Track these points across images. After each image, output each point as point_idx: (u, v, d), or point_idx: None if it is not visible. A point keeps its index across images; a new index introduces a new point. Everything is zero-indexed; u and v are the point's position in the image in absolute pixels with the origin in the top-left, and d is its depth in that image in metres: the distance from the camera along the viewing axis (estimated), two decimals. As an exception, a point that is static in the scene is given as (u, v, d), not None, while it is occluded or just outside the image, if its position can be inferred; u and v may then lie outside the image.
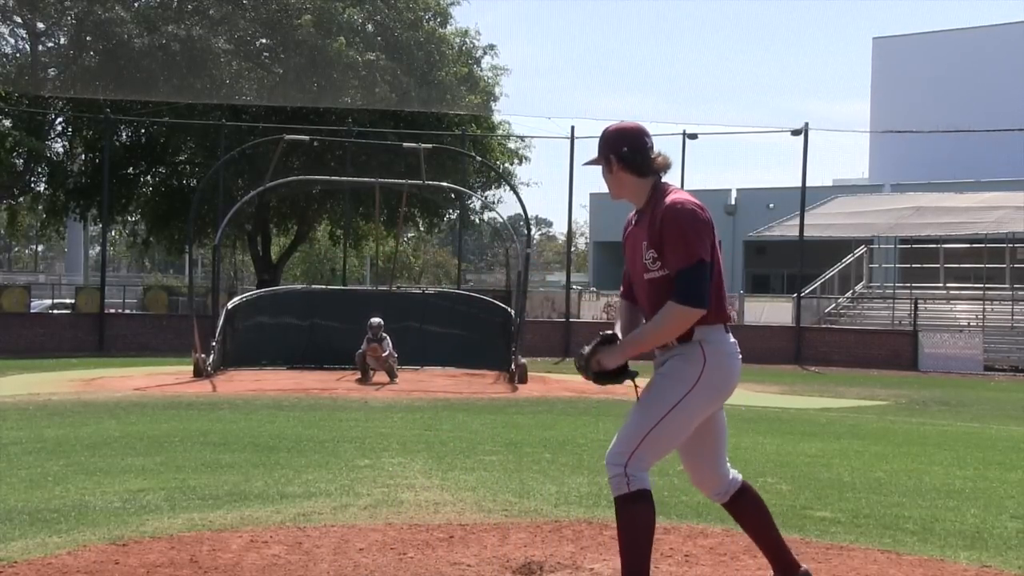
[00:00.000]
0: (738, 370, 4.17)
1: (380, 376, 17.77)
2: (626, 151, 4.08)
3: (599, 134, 4.22)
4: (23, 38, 33.10)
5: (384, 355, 17.72)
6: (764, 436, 10.99)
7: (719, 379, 4.07)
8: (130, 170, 33.34)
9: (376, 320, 17.83)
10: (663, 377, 4.07)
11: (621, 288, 4.41)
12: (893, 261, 35.03)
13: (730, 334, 4.14)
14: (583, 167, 4.20)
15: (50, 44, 33.59)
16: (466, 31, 34.73)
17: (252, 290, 26.99)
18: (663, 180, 4.15)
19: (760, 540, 4.42)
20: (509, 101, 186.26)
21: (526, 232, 26.85)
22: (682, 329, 3.95)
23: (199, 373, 17.73)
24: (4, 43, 32.88)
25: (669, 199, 4.02)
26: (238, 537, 5.55)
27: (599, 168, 4.23)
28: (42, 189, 34.42)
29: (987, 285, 30.95)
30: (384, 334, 17.86)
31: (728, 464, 4.33)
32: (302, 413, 12.37)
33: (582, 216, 56.08)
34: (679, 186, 4.18)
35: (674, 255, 3.92)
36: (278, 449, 9.10)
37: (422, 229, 41.51)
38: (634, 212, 4.21)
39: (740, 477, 4.35)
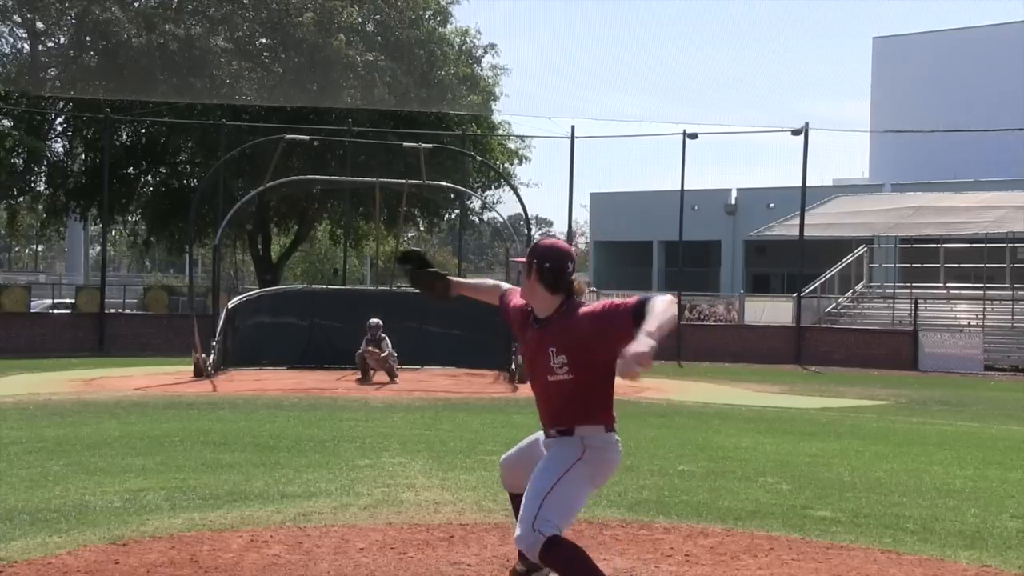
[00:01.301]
0: (617, 461, 4.45)
1: (380, 376, 17.77)
2: (547, 266, 4.36)
3: (538, 249, 4.46)
4: (23, 38, 33.13)
5: (383, 355, 17.71)
6: (764, 436, 10.99)
7: (595, 468, 4.35)
8: (130, 170, 33.34)
9: (375, 321, 17.82)
10: (548, 458, 4.35)
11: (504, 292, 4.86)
12: (893, 261, 35.03)
13: (614, 432, 4.38)
14: (513, 259, 4.80)
15: (50, 44, 33.61)
16: (466, 30, 34.73)
17: (252, 290, 26.99)
18: (577, 300, 4.42)
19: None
20: (509, 101, 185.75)
21: (526, 232, 26.86)
22: (675, 308, 4.12)
23: (199, 373, 17.72)
24: (4, 43, 32.92)
25: (580, 311, 4.31)
26: (238, 537, 5.55)
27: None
28: (42, 189, 34.44)
29: (987, 285, 30.94)
30: (383, 334, 17.85)
31: None
32: (302, 413, 12.37)
33: (582, 216, 56.04)
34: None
35: (619, 317, 4.12)
36: (278, 449, 9.10)
37: (422, 229, 41.53)
38: (531, 310, 4.50)
39: None
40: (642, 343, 3.96)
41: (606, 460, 4.39)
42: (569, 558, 4.25)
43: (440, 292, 4.95)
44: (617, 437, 4.44)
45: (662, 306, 4.05)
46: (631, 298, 4.18)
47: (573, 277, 4.43)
